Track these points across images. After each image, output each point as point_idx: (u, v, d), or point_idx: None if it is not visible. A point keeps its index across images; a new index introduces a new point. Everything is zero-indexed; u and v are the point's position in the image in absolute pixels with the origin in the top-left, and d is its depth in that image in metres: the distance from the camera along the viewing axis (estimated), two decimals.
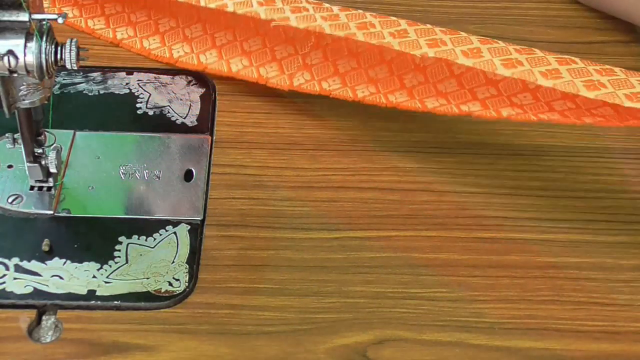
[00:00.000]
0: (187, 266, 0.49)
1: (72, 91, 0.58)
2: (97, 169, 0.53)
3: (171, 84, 0.59)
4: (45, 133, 0.50)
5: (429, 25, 0.50)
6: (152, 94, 0.58)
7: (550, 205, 0.54)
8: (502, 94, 0.53)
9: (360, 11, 0.51)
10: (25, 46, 0.43)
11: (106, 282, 0.48)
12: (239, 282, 0.49)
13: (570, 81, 0.46)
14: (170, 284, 0.48)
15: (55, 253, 0.49)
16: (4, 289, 0.47)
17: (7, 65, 0.43)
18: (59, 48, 0.44)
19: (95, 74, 0.59)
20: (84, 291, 0.47)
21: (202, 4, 0.53)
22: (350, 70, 0.57)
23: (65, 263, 0.48)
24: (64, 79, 0.58)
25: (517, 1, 0.67)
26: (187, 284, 0.48)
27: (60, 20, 0.43)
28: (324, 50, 0.58)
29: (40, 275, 0.48)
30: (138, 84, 0.59)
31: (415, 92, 0.55)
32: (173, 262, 0.49)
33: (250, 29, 0.59)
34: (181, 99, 0.58)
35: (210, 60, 0.59)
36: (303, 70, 0.57)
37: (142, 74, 0.59)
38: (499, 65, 0.48)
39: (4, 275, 0.48)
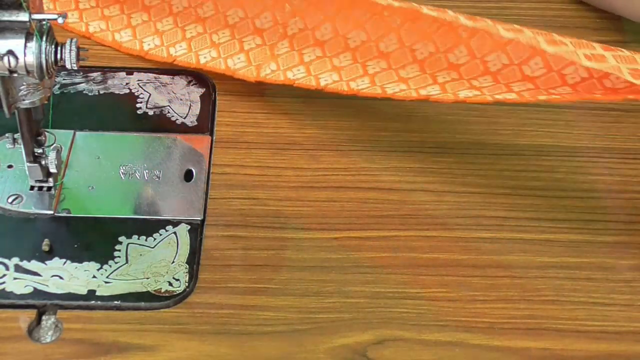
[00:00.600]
0: (187, 266, 0.49)
1: (72, 91, 0.58)
2: (97, 169, 0.53)
3: (171, 83, 0.59)
4: (45, 133, 0.50)
5: None
6: (152, 94, 0.58)
7: (550, 205, 0.54)
8: (463, 77, 0.53)
9: None
10: (25, 46, 0.43)
11: (106, 282, 0.48)
12: (239, 282, 0.49)
13: (532, 37, 0.47)
14: (170, 284, 0.48)
15: (55, 253, 0.49)
16: (4, 289, 0.47)
17: (7, 65, 0.43)
18: (59, 48, 0.44)
19: (95, 74, 0.59)
20: (84, 291, 0.47)
21: None
22: (315, 59, 0.57)
23: (65, 263, 0.48)
24: (64, 79, 0.58)
25: (517, 1, 0.67)
26: (187, 284, 0.48)
27: (60, 21, 0.43)
28: (290, 40, 0.58)
29: (40, 275, 0.48)
30: (138, 84, 0.59)
31: (377, 78, 0.55)
32: (173, 262, 0.49)
33: (220, 22, 0.59)
34: (181, 99, 0.58)
35: (179, 52, 0.59)
36: (270, 61, 0.58)
37: (142, 74, 0.59)
38: (462, 18, 0.48)
39: (4, 275, 0.48)
